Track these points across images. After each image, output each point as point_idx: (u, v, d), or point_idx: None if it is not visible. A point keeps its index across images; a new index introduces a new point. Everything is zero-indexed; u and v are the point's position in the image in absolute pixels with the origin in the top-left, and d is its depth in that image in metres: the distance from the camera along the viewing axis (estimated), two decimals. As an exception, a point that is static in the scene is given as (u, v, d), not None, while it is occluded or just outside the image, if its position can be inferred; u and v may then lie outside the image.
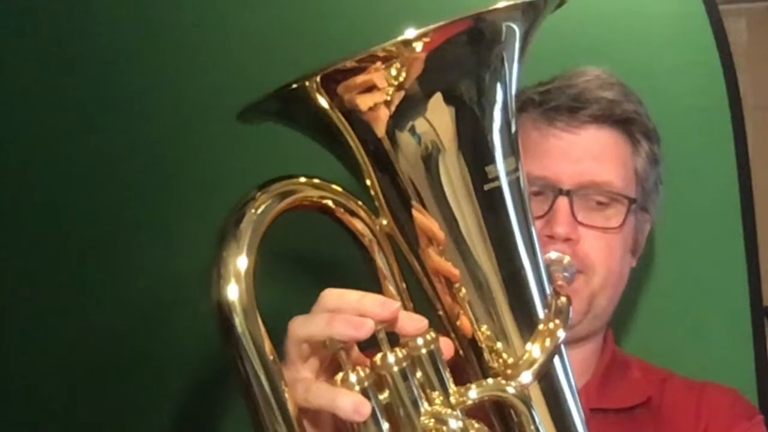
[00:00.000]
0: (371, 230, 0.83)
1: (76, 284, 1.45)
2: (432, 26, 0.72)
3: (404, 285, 0.85)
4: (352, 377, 0.75)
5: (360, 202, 0.83)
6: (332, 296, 0.79)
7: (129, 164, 1.44)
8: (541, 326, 0.84)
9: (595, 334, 1.22)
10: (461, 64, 0.77)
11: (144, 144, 1.43)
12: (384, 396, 0.77)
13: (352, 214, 0.82)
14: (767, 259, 1.45)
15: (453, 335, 0.85)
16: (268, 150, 1.29)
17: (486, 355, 0.83)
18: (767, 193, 1.51)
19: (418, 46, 0.73)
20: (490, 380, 0.81)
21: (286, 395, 0.76)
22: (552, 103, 1.16)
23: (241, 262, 0.75)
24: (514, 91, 0.82)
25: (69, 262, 1.45)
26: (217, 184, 1.39)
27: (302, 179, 0.80)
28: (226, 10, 1.42)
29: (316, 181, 0.81)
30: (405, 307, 0.84)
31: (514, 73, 0.81)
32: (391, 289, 0.84)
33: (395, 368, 0.77)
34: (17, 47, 1.44)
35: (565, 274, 1.03)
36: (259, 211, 0.76)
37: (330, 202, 0.81)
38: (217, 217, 0.78)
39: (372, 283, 0.84)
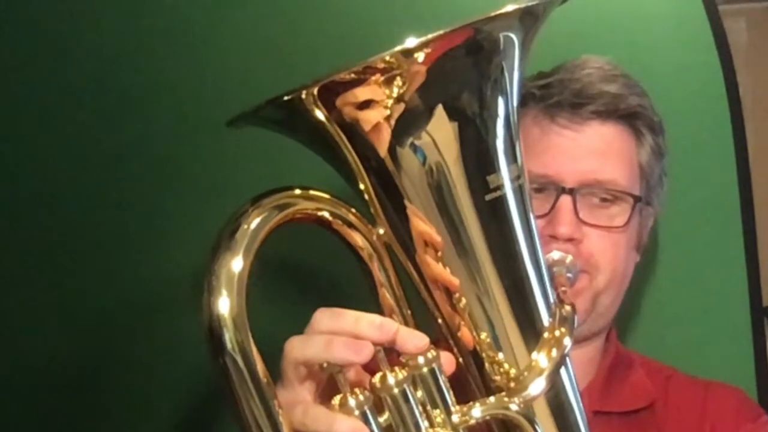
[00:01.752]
0: (368, 240, 0.81)
1: (69, 287, 1.44)
2: (427, 36, 0.71)
3: (402, 294, 0.83)
4: (351, 401, 0.74)
5: (356, 212, 0.81)
6: (326, 317, 0.77)
7: (126, 166, 1.43)
8: (546, 334, 0.82)
9: (599, 333, 1.20)
10: (459, 73, 0.76)
11: (140, 146, 1.42)
12: (384, 418, 0.76)
13: (349, 224, 0.80)
14: (767, 259, 1.45)
15: (453, 345, 0.83)
16: (265, 155, 1.29)
17: (488, 367, 0.82)
18: (767, 193, 1.50)
19: (415, 56, 0.72)
20: (492, 398, 0.80)
21: (281, 418, 0.74)
22: (554, 98, 1.13)
23: (233, 274, 0.73)
24: (515, 101, 0.81)
25: (63, 265, 1.45)
26: (214, 189, 1.39)
27: (297, 191, 0.79)
28: (227, 12, 1.41)
29: (311, 192, 0.79)
30: (404, 317, 0.83)
31: (515, 78, 0.80)
32: (389, 299, 0.82)
33: (395, 390, 0.75)
34: (16, 47, 1.43)
35: (569, 274, 1.02)
36: (253, 224, 0.75)
37: (326, 214, 0.80)
38: (215, 222, 0.77)
39: (370, 294, 0.83)
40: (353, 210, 0.82)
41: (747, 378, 1.37)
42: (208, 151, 1.40)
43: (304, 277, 1.40)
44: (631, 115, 1.15)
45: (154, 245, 1.43)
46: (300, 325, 0.78)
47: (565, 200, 1.10)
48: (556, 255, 1.03)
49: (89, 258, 1.44)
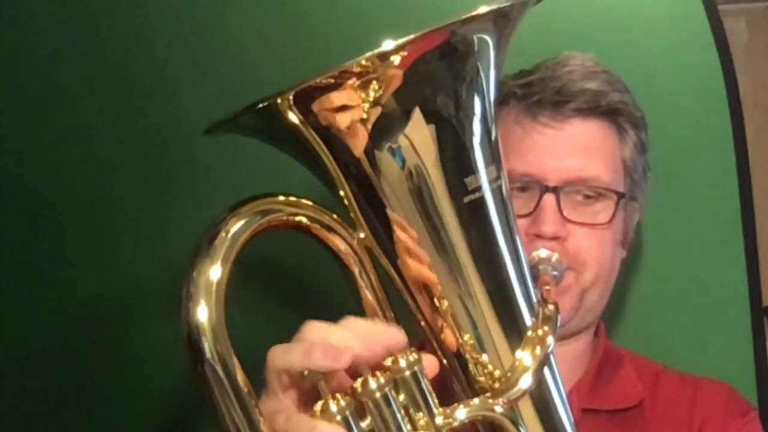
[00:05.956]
0: (349, 244, 0.81)
1: (59, 285, 1.45)
2: (400, 40, 0.71)
3: (385, 297, 0.83)
4: (333, 407, 0.73)
5: (336, 217, 0.81)
6: (313, 329, 0.77)
7: (118, 168, 1.44)
8: (529, 333, 0.82)
9: (587, 329, 1.20)
10: (435, 75, 0.75)
11: (134, 149, 1.43)
12: (367, 423, 0.75)
13: (329, 229, 0.80)
14: (767, 259, 1.44)
15: (437, 347, 0.83)
16: (260, 159, 1.27)
17: (471, 368, 0.82)
18: (767, 193, 1.50)
19: (391, 60, 0.72)
20: (477, 399, 0.79)
21: (261, 426, 0.74)
22: (535, 97, 1.13)
23: (212, 282, 0.73)
24: (492, 101, 0.80)
25: (52, 264, 1.46)
26: (209, 193, 1.39)
27: (281, 198, 0.79)
28: (225, 12, 1.41)
29: (291, 198, 0.79)
30: (387, 320, 0.83)
31: (491, 79, 0.79)
32: (372, 302, 0.82)
33: (377, 394, 0.75)
34: (15, 46, 1.44)
35: (554, 272, 1.02)
36: (232, 231, 0.75)
37: (304, 219, 0.79)
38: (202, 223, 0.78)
39: (352, 298, 0.83)
40: (334, 215, 0.81)
41: (747, 378, 1.37)
42: (202, 154, 1.40)
43: (285, 282, 1.40)
44: (612, 111, 1.14)
45: (147, 246, 1.43)
46: (281, 332, 0.78)
47: (549, 199, 1.10)
48: (542, 253, 1.03)
49: (78, 257, 1.45)
